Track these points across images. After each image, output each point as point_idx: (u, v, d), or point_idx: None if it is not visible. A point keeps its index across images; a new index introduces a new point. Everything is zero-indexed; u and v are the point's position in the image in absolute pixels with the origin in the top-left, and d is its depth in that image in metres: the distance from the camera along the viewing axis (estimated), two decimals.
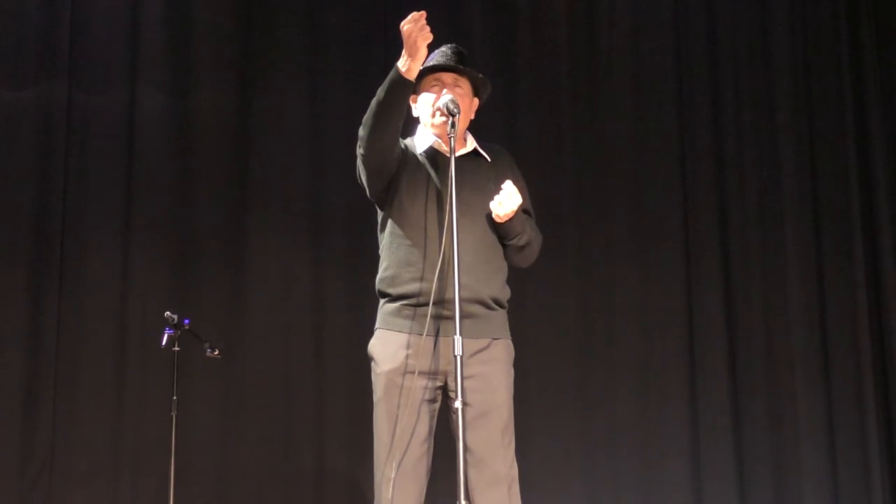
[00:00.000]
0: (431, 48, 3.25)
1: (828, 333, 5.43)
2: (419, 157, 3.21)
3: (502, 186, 3.11)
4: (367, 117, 3.06)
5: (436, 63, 3.20)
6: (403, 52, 2.95)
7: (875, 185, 5.52)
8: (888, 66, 5.65)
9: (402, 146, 3.20)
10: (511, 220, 3.13)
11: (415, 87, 3.23)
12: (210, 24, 5.42)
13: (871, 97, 5.60)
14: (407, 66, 2.95)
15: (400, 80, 2.97)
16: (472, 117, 3.30)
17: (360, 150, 3.12)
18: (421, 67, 3.12)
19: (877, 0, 5.69)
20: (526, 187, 3.30)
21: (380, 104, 3.01)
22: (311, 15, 5.49)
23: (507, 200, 3.09)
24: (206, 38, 5.40)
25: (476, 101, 3.30)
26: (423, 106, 3.23)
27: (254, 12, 5.46)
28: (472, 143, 3.27)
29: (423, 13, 2.91)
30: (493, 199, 3.13)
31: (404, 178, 3.15)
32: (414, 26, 2.90)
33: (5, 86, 5.21)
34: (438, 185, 3.14)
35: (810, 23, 5.70)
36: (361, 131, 3.08)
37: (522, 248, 3.23)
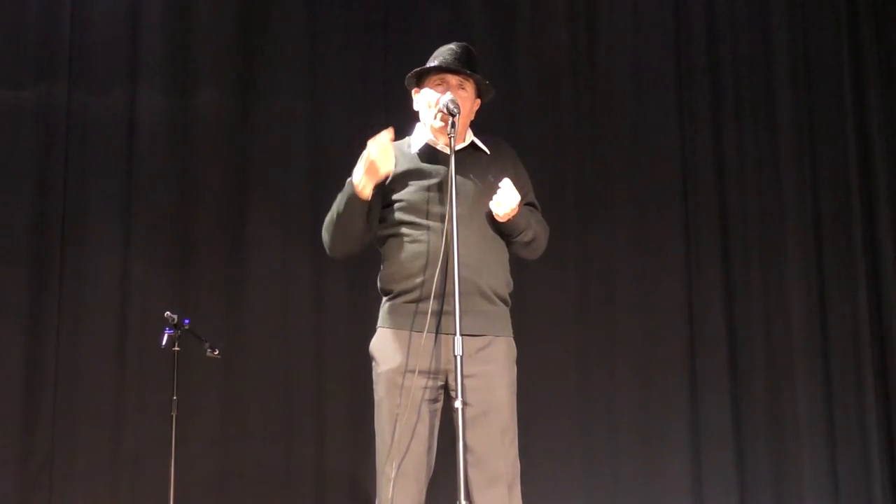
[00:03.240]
0: (423, 45, 3.25)
1: (828, 333, 5.43)
2: (416, 155, 3.20)
3: (499, 185, 3.10)
4: (328, 224, 3.16)
5: (442, 62, 3.19)
6: (361, 166, 3.01)
7: (875, 186, 5.53)
8: (888, 66, 5.65)
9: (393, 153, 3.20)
10: (514, 218, 3.12)
11: (419, 82, 3.24)
12: (210, 24, 5.42)
13: (872, 97, 5.60)
14: (362, 184, 3.01)
15: (354, 197, 3.04)
16: (473, 118, 3.29)
17: (326, 249, 3.21)
18: (428, 65, 3.17)
19: (877, 0, 5.69)
20: (529, 180, 3.29)
21: (339, 216, 3.11)
22: (311, 14, 5.49)
23: (505, 199, 3.08)
24: (206, 38, 5.40)
25: (478, 102, 3.29)
26: (424, 103, 3.22)
27: (254, 12, 5.46)
28: (469, 137, 3.26)
29: (391, 133, 3.00)
30: (491, 191, 3.12)
31: (401, 177, 3.15)
32: (379, 154, 2.97)
33: (5, 86, 5.21)
34: (437, 181, 3.13)
35: (810, 22, 5.70)
36: (324, 235, 3.18)
37: (529, 242, 3.22)
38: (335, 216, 3.12)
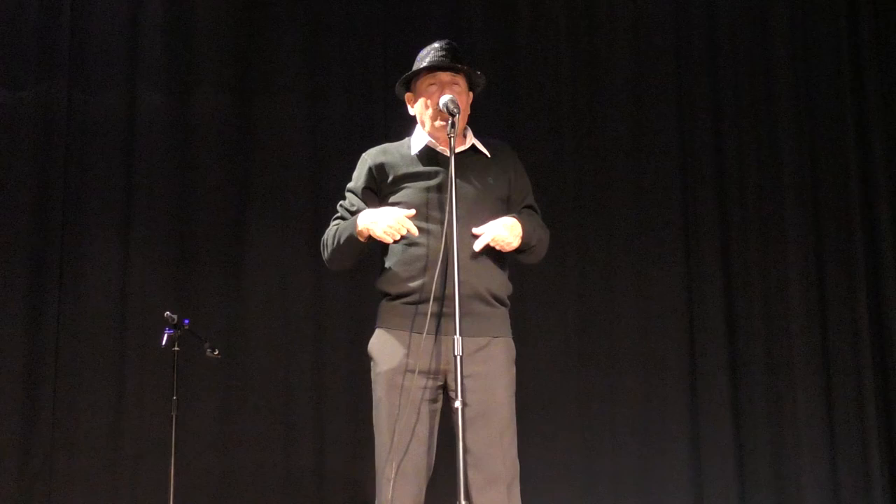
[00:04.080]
0: (423, 44, 3.26)
1: (828, 333, 5.42)
2: (415, 157, 3.20)
3: (473, 231, 3.08)
4: (327, 244, 3.23)
5: (431, 62, 3.19)
6: (369, 220, 3.08)
7: (875, 185, 5.52)
8: (888, 66, 5.65)
9: (388, 160, 3.22)
10: (522, 237, 3.13)
11: (412, 87, 3.24)
12: (210, 24, 5.41)
13: (872, 97, 5.60)
14: (364, 233, 3.10)
15: (354, 238, 3.13)
16: (469, 112, 3.29)
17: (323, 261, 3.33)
18: (416, 67, 3.18)
19: (877, 0, 5.69)
20: (529, 183, 3.30)
21: (338, 246, 3.19)
22: (311, 15, 5.49)
23: (500, 239, 3.08)
24: (205, 38, 5.40)
25: (471, 94, 3.30)
26: (421, 109, 3.23)
27: (254, 12, 5.46)
28: (470, 140, 3.27)
29: (412, 213, 3.06)
30: (491, 194, 3.15)
31: (401, 179, 3.16)
32: (394, 231, 3.04)
33: (5, 86, 5.22)
34: (436, 183, 3.14)
35: (810, 22, 5.70)
36: (322, 251, 3.27)
37: (533, 246, 3.23)
38: (334, 244, 3.19)
